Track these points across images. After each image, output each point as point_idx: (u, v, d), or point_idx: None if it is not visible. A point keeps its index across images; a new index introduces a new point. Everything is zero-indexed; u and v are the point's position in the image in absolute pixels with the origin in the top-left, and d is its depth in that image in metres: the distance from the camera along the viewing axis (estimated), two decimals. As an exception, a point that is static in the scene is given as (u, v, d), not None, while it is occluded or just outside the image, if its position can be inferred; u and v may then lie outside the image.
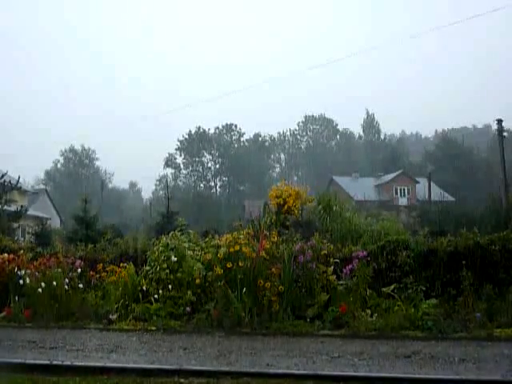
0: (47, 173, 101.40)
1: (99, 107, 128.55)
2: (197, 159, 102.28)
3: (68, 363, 6.92)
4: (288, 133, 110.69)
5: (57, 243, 16.54)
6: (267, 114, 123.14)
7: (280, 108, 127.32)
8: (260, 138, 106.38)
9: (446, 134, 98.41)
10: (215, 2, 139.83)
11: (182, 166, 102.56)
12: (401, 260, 10.42)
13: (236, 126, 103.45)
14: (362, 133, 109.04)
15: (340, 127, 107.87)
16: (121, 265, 10.89)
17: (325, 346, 7.97)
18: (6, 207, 24.63)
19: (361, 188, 62.68)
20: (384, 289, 9.87)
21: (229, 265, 9.69)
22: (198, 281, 9.91)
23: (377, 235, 13.49)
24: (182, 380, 6.28)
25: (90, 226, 18.49)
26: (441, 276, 10.17)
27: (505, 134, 41.51)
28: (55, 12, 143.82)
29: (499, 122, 41.10)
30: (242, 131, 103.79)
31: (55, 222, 46.36)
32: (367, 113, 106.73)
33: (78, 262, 11.05)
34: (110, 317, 9.81)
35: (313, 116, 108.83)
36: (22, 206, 26.47)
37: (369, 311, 9.26)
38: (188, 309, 9.74)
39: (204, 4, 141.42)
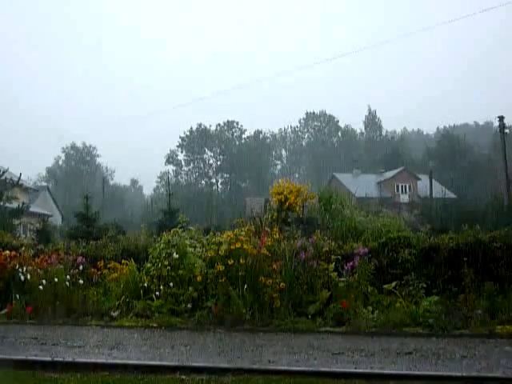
0: (49, 170, 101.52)
1: (101, 105, 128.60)
2: (198, 156, 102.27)
3: (69, 360, 6.93)
4: (289, 129, 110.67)
5: (58, 240, 16.55)
6: (268, 110, 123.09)
7: (281, 105, 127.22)
8: (261, 135, 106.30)
9: (448, 130, 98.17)
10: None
11: (183, 162, 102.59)
12: (402, 257, 10.41)
13: (237, 123, 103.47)
14: (363, 129, 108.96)
15: (341, 124, 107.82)
16: (122, 262, 10.91)
17: (326, 342, 7.98)
18: (7, 204, 24.66)
19: (362, 185, 62.51)
20: (385, 286, 9.87)
21: (230, 262, 9.69)
22: (199, 278, 9.92)
23: (378, 232, 13.49)
24: (183, 377, 6.29)
25: (92, 223, 18.46)
26: (442, 273, 10.17)
27: (506, 130, 41.42)
28: (56, 10, 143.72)
29: (501, 118, 41.05)
30: (244, 128, 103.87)
31: (57, 219, 46.36)
32: (369, 109, 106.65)
33: (79, 259, 11.07)
34: (112, 313, 9.83)
35: (314, 113, 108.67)
36: (23, 203, 26.49)
37: (370, 308, 9.27)
38: (189, 305, 9.75)
39: (205, 2, 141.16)
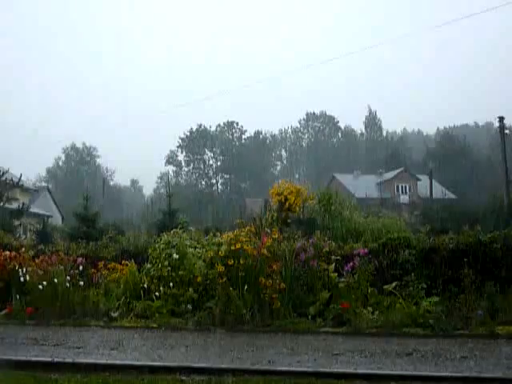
0: (49, 170, 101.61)
1: (100, 105, 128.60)
2: (198, 157, 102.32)
3: (70, 360, 6.92)
4: (289, 130, 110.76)
5: (58, 241, 16.56)
6: (268, 111, 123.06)
7: (281, 105, 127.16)
8: (261, 136, 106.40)
9: (448, 131, 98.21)
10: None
11: (183, 163, 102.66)
12: (402, 258, 10.41)
13: (237, 124, 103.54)
14: (363, 130, 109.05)
15: (341, 124, 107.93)
16: (122, 262, 10.91)
17: (326, 343, 7.98)
18: (7, 205, 24.66)
19: (362, 185, 62.71)
20: (385, 286, 9.87)
21: (230, 262, 9.68)
22: (199, 278, 9.92)
23: (378, 233, 13.51)
24: (183, 377, 6.28)
25: (92, 224, 18.51)
26: (442, 273, 10.16)
27: (506, 131, 41.44)
28: (56, 10, 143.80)
29: (501, 119, 41.06)
30: (244, 129, 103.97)
31: (57, 220, 46.38)
32: (369, 110, 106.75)
33: (79, 260, 11.06)
34: (112, 314, 9.82)
35: (314, 113, 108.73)
36: (23, 204, 26.51)
37: (370, 309, 9.26)
38: (189, 306, 9.75)
39: (206, 2, 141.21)
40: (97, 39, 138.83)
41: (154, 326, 9.27)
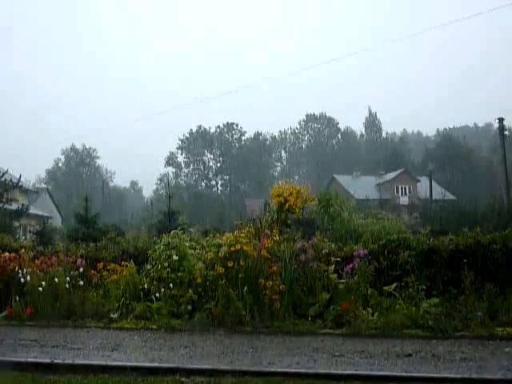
0: (48, 172, 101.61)
1: (100, 106, 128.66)
2: (198, 158, 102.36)
3: (69, 362, 6.91)
4: (289, 131, 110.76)
5: (58, 242, 16.54)
6: (268, 112, 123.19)
7: (281, 106, 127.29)
8: (261, 137, 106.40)
9: (448, 132, 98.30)
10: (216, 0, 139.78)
11: (183, 164, 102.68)
12: (402, 259, 10.40)
13: (237, 125, 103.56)
14: (363, 131, 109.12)
15: (341, 126, 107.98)
16: (122, 263, 10.88)
17: (326, 344, 7.97)
18: (7, 206, 24.67)
19: (362, 187, 62.65)
20: (385, 288, 9.86)
21: (230, 264, 9.68)
22: (199, 280, 9.91)
23: (378, 234, 13.49)
24: (183, 378, 6.28)
25: (92, 225, 18.50)
26: (442, 275, 10.15)
27: (506, 132, 41.49)
28: (55, 11, 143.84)
29: (501, 120, 41.10)
30: (243, 130, 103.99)
31: (56, 221, 46.36)
32: (369, 111, 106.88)
33: (79, 261, 11.05)
34: (111, 315, 9.82)
35: (314, 115, 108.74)
36: (23, 205, 26.56)
37: (370, 310, 9.25)
38: (189, 307, 9.74)
39: (205, 2, 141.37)
40: (97, 40, 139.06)
41: (154, 327, 9.26)
